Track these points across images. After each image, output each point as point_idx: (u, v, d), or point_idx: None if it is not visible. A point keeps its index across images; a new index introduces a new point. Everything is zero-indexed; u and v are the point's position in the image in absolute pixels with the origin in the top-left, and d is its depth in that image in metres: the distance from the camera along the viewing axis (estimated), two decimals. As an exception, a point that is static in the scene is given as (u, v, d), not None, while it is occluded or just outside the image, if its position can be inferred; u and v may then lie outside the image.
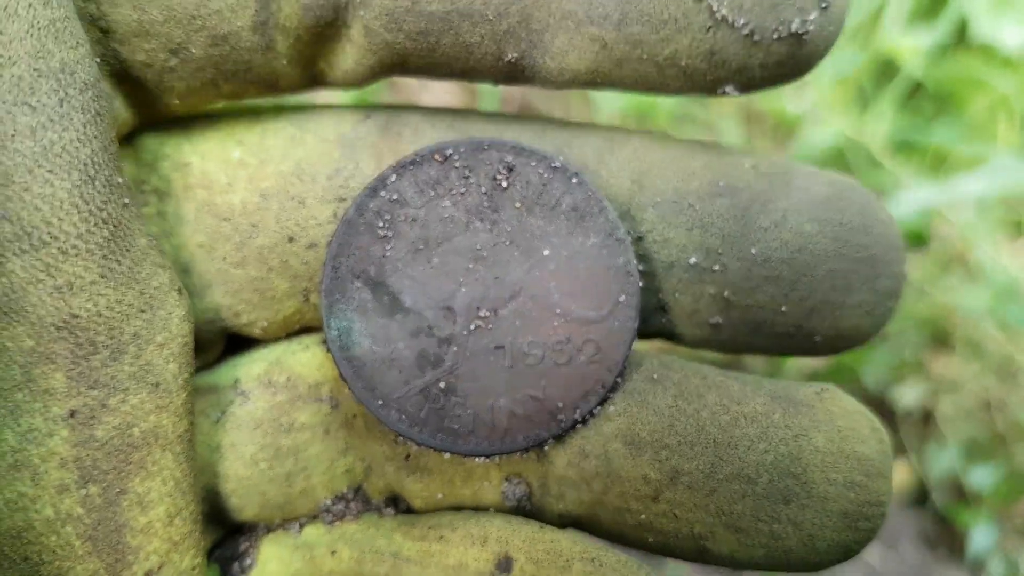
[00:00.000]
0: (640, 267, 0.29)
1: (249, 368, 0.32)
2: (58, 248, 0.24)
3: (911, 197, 0.85)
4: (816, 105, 0.88)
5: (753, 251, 0.30)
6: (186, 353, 0.28)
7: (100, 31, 0.28)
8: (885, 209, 0.31)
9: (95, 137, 0.25)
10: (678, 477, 0.27)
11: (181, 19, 0.27)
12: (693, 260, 0.30)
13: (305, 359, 0.31)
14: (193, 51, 0.28)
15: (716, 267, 0.30)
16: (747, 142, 0.91)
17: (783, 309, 0.30)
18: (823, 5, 0.26)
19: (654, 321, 0.31)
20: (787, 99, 0.88)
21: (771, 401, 0.28)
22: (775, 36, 0.26)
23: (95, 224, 0.25)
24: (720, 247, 0.30)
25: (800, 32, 0.26)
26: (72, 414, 0.25)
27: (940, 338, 0.92)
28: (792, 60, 0.27)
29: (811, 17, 0.26)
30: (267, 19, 0.28)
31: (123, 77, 0.29)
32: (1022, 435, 0.88)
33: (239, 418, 0.30)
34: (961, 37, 0.90)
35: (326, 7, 0.28)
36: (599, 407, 0.28)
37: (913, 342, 0.92)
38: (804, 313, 0.30)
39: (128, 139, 0.32)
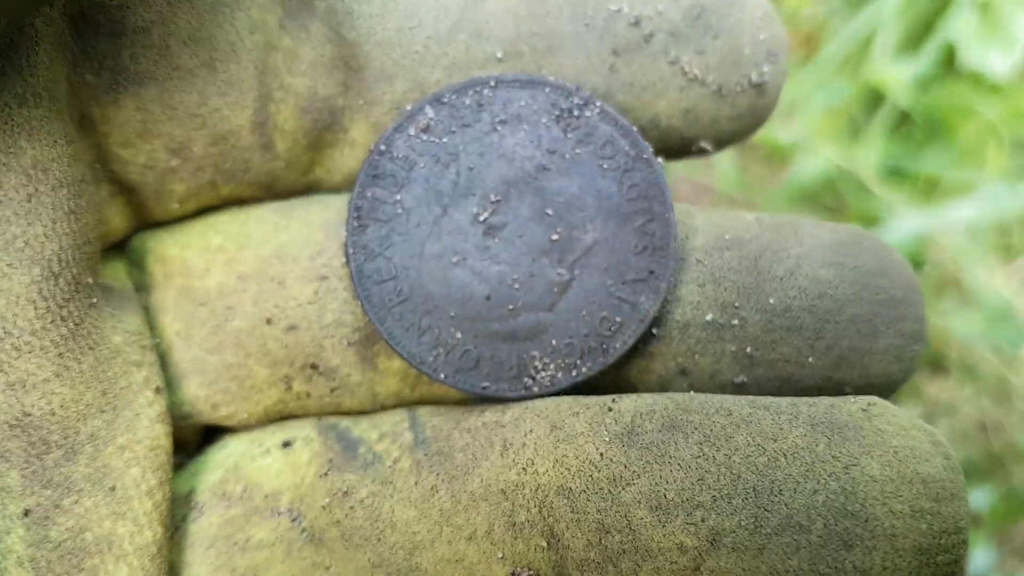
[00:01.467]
0: (654, 331, 0.29)
1: (206, 476, 0.30)
2: (11, 344, 0.24)
3: (903, 224, 0.87)
4: (807, 135, 0.89)
5: (771, 301, 0.28)
6: (154, 457, 0.26)
7: (102, 134, 0.28)
8: (897, 252, 0.30)
9: (65, 234, 0.25)
10: (719, 539, 0.23)
11: (182, 117, 0.28)
12: (710, 317, 0.29)
13: (264, 465, 0.29)
14: (194, 150, 0.28)
15: (735, 322, 0.29)
16: (741, 173, 0.92)
17: (809, 360, 0.28)
18: (772, 59, 0.31)
19: (675, 386, 0.29)
20: (779, 130, 0.89)
21: (811, 430, 0.25)
22: (738, 88, 0.30)
23: (52, 321, 0.24)
24: (736, 300, 0.29)
25: (759, 82, 0.31)
26: (27, 513, 0.24)
27: (935, 362, 0.93)
28: (754, 109, 0.31)
29: (765, 69, 0.30)
30: (266, 120, 0.29)
31: (123, 183, 0.29)
32: (1018, 456, 0.89)
33: (193, 535, 0.28)
34: (949, 65, 0.91)
35: (323, 110, 0.29)
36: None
37: (909, 366, 0.93)
38: (832, 363, 0.28)
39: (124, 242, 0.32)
